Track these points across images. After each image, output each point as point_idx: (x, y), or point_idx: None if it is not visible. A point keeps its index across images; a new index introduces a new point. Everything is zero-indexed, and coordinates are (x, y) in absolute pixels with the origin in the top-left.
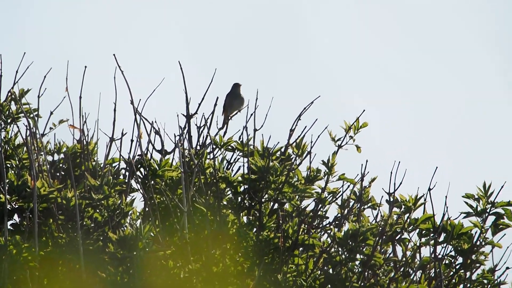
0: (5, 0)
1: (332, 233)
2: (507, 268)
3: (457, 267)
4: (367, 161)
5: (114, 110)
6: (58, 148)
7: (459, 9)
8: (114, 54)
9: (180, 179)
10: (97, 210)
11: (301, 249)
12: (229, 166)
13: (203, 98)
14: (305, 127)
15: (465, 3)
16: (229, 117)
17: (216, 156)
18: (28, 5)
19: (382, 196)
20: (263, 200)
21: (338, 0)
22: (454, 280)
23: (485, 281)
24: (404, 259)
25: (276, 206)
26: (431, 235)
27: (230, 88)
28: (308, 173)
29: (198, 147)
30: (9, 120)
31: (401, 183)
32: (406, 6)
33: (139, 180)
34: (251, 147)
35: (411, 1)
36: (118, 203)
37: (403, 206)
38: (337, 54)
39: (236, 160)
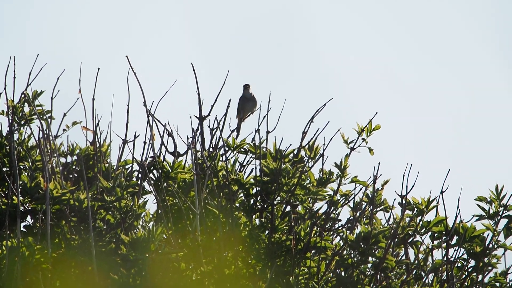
0: (19, 3)
1: (344, 236)
2: None
3: (469, 270)
4: (379, 163)
5: (127, 112)
6: (71, 150)
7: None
8: (127, 56)
9: (193, 181)
10: (110, 212)
11: (313, 251)
12: (242, 169)
13: (215, 100)
14: (318, 129)
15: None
16: (242, 119)
17: (228, 158)
18: (41, 8)
19: (395, 199)
20: (275, 202)
21: (348, 5)
22: (466, 283)
23: (498, 284)
24: (416, 261)
25: (288, 208)
26: (444, 238)
27: (242, 91)
28: (321, 175)
29: (211, 149)
30: (22, 122)
31: (413, 185)
32: (416, 11)
33: (152, 182)
34: (264, 149)
35: (421, 6)
36: (131, 205)
37: (415, 209)
38: (348, 58)
39: (248, 162)
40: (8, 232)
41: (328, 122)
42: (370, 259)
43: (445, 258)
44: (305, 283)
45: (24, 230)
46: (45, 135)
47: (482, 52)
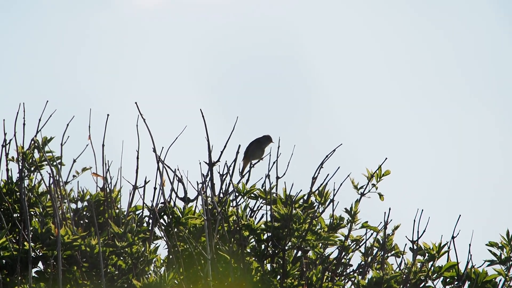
0: (27, 49)
1: (356, 281)
2: None
3: None
4: (390, 209)
5: (137, 158)
6: (82, 195)
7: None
8: (136, 102)
9: (204, 227)
10: (121, 258)
11: None
12: (252, 214)
13: (225, 146)
14: (328, 175)
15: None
16: (252, 165)
17: (239, 203)
18: (51, 54)
19: (406, 244)
20: (286, 247)
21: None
22: None
23: None
24: None
25: (299, 253)
26: (456, 283)
27: (256, 136)
28: (331, 220)
29: (221, 195)
30: (32, 168)
31: (424, 231)
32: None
33: (163, 227)
34: (274, 195)
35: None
36: (142, 251)
37: (427, 254)
38: (357, 103)
39: (259, 208)
40: (19, 278)
41: (338, 168)
42: None
43: None
44: None
45: (35, 276)
46: (55, 181)
47: (496, 89)
